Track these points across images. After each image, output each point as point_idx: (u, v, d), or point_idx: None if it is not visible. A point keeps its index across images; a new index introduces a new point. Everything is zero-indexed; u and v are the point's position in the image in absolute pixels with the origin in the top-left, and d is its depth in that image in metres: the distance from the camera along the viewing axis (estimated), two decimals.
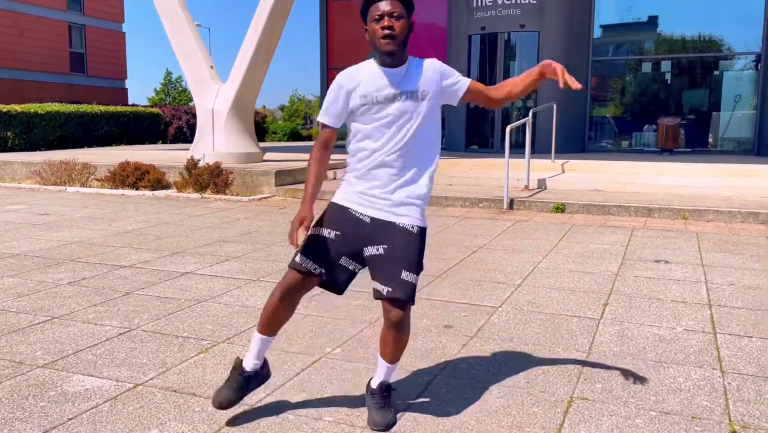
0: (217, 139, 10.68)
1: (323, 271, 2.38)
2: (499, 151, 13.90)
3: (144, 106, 26.22)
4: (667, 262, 5.19)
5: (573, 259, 5.27)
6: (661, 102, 14.52)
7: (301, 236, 2.36)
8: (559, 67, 2.31)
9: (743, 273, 4.83)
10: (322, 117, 2.39)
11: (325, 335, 3.52)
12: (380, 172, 2.33)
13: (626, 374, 2.96)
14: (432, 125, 2.39)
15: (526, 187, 8.96)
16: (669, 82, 14.72)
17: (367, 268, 2.42)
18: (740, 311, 3.90)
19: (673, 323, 3.68)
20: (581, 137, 14.18)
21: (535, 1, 13.23)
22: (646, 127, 14.33)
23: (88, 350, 3.30)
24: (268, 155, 11.81)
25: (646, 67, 14.91)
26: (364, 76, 2.33)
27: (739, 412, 2.58)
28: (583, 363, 3.09)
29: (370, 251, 2.35)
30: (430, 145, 2.40)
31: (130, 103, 30.51)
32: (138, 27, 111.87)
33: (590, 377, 2.93)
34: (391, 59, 2.30)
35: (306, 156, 12.67)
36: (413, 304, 2.40)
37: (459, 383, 2.88)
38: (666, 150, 13.29)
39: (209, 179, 9.40)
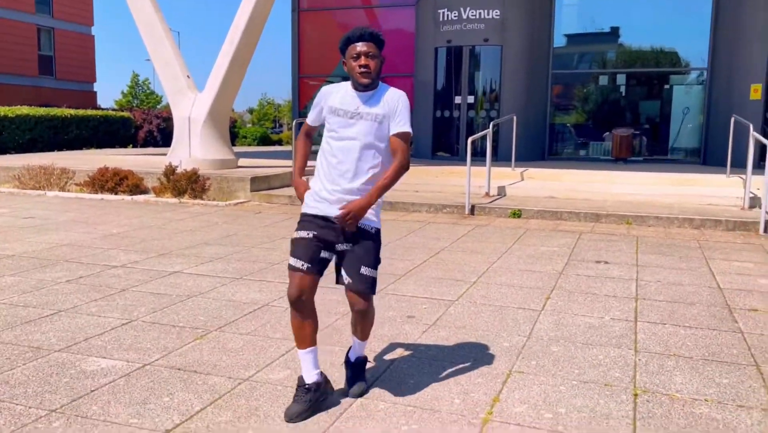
0: (194, 146, 11.10)
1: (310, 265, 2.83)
2: (463, 159, 14.53)
3: (114, 110, 26.34)
4: (606, 262, 5.85)
5: (524, 259, 5.88)
6: (617, 113, 15.38)
7: (308, 198, 2.89)
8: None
9: (670, 272, 5.51)
10: (308, 117, 3.00)
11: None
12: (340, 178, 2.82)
13: (556, 353, 3.56)
14: (382, 143, 2.78)
15: (487, 194, 9.60)
16: (624, 93, 15.61)
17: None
18: (661, 303, 4.55)
19: (602, 314, 4.30)
20: (541, 146, 14.92)
21: (498, 17, 13.94)
22: (606, 135, 15.16)
23: (97, 337, 3.78)
24: (242, 161, 12.25)
25: (604, 79, 15.78)
26: (339, 94, 2.83)
27: (643, 381, 3.20)
28: (523, 345, 3.68)
29: (340, 247, 2.85)
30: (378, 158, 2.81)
31: (99, 106, 30.51)
32: (104, 28, 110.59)
33: (527, 355, 3.52)
34: (364, 88, 2.78)
35: (279, 162, 13.14)
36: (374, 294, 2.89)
37: (418, 361, 3.44)
38: (620, 159, 14.11)
39: (187, 185, 9.83)
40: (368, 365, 3.26)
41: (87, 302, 4.50)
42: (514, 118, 11.92)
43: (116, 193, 10.27)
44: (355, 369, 3.06)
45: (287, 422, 2.72)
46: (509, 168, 11.20)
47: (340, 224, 2.76)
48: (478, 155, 14.63)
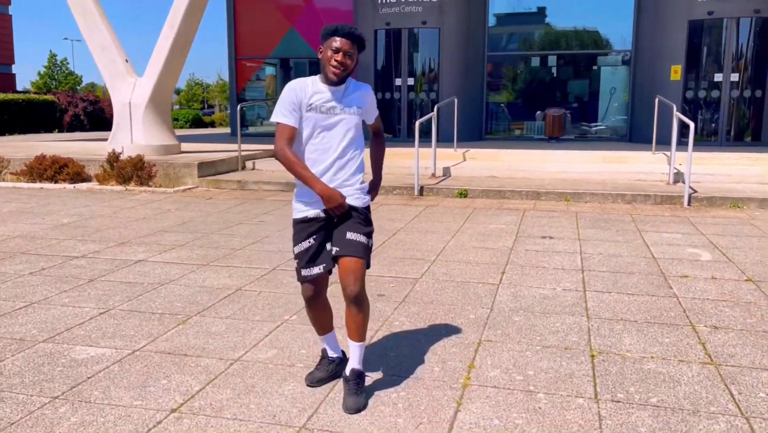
0: (136, 132, 10.93)
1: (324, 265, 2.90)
2: (405, 140, 14.87)
3: (38, 93, 25.20)
4: (551, 238, 6.28)
5: (476, 237, 6.24)
6: (549, 92, 16.03)
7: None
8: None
9: (609, 244, 5.98)
10: (287, 120, 2.81)
11: (280, 306, 4.25)
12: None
13: (518, 322, 3.90)
14: (358, 132, 2.94)
15: (433, 175, 9.93)
16: (555, 74, 16.26)
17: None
18: (604, 274, 4.99)
19: (554, 285, 4.69)
20: (479, 126, 15.41)
21: (435, 0, 14.23)
22: (538, 114, 15.79)
23: (78, 327, 3.86)
24: (184, 146, 12.13)
25: (535, 60, 16.37)
26: (312, 89, 2.81)
27: (597, 343, 3.58)
28: (488, 316, 4.01)
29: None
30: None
31: (19, 89, 29.07)
32: (19, 5, 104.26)
33: (493, 325, 3.85)
34: (333, 83, 2.84)
35: (221, 146, 13.05)
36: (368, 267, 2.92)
37: (395, 335, 3.72)
38: (553, 138, 14.75)
39: (132, 172, 9.72)
40: (368, 377, 3.21)
41: (57, 293, 4.54)
42: (455, 100, 12.27)
43: (56, 182, 10.03)
44: (352, 384, 2.85)
45: (308, 385, 3.04)
46: (451, 149, 11.57)
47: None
48: (420, 136, 14.95)
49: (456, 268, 5.17)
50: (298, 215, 2.92)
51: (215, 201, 8.65)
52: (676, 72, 13.51)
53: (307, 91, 2.82)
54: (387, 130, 15.33)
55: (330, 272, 2.95)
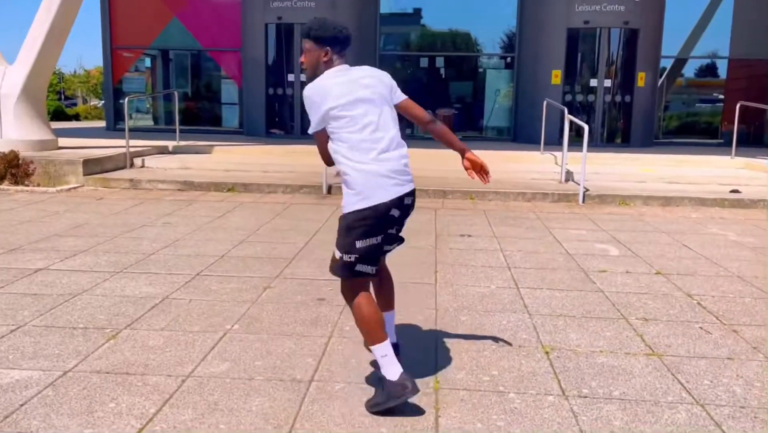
0: (7, 126, 9.89)
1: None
2: (299, 137, 14.64)
3: None
4: (470, 236, 6.42)
5: None
6: (438, 93, 16.45)
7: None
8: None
9: (525, 242, 6.21)
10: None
11: (218, 315, 4.00)
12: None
13: (466, 322, 3.94)
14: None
15: (338, 174, 9.81)
16: (444, 75, 16.71)
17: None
18: (530, 271, 5.16)
19: (488, 283, 4.79)
20: None
21: None
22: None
23: None
24: (60, 141, 11.16)
25: (424, 61, 16.72)
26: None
27: (546, 339, 3.69)
28: (435, 317, 4.01)
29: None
30: None
31: None
32: None
33: (444, 326, 3.86)
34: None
35: (99, 141, 12.14)
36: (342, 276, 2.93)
37: (350, 341, 3.61)
38: None
39: (6, 170, 8.79)
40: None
41: None
42: None
43: None
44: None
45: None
46: None
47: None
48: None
49: (389, 268, 5.12)
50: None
51: (107, 201, 8.02)
52: (557, 76, 14.35)
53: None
54: (280, 126, 15.02)
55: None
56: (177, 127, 12.31)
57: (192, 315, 3.98)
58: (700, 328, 3.92)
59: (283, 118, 15.02)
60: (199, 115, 16.80)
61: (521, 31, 15.22)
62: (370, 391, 2.98)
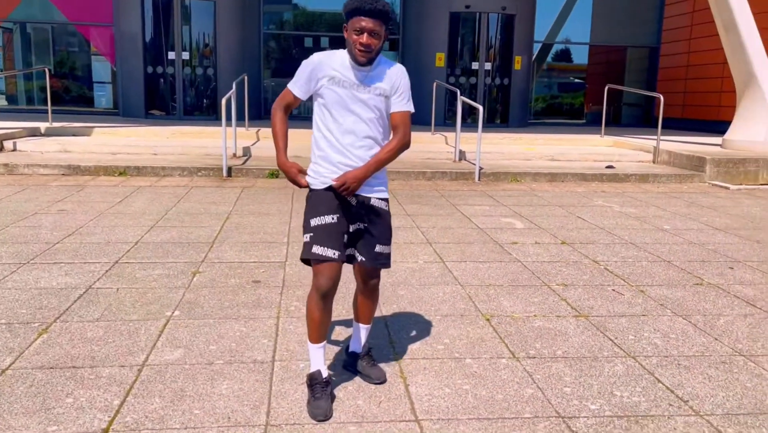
0: None
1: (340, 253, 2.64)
2: (181, 118, 14.05)
3: None
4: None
5: None
6: None
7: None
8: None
9: (437, 218, 6.45)
10: (294, 88, 2.72)
11: (153, 302, 3.85)
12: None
13: (405, 296, 4.07)
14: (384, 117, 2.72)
15: (235, 155, 9.59)
16: None
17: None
18: (449, 245, 5.40)
19: (415, 258, 4.96)
20: (257, 104, 15.17)
21: None
22: None
23: None
24: None
25: (308, 41, 16.58)
26: (337, 63, 2.63)
27: (484, 308, 3.91)
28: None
29: (354, 227, 2.74)
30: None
31: None
32: None
33: (387, 301, 3.96)
34: (362, 65, 2.60)
35: None
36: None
37: (297, 320, 3.62)
38: None
39: None
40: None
41: None
42: (246, 77, 11.94)
43: None
44: (368, 358, 2.97)
45: (322, 421, 2.54)
46: (243, 128, 11.26)
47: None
48: (198, 113, 14.32)
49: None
50: (316, 185, 2.69)
51: None
52: (441, 59, 14.81)
53: (327, 62, 2.65)
54: (160, 107, 14.31)
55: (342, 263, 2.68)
56: (49, 107, 11.38)
57: (125, 304, 3.80)
58: (613, 290, 4.33)
59: (163, 98, 14.32)
60: (65, 96, 15.60)
61: (405, 13, 15.52)
62: (336, 367, 3.03)
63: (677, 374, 3.08)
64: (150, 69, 14.03)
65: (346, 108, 2.64)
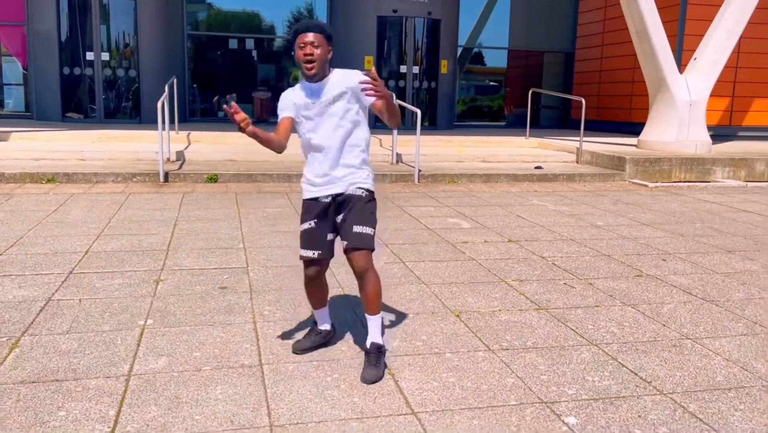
0: None
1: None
2: (103, 121, 13.54)
3: None
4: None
5: (264, 222, 6.24)
6: (249, 76, 16.27)
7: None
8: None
9: (386, 220, 6.59)
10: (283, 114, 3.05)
11: (123, 312, 3.78)
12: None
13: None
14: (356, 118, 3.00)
15: (169, 159, 9.37)
16: (256, 57, 16.54)
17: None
18: (405, 246, 5.55)
19: (376, 259, 5.06)
20: (183, 107, 14.84)
21: None
22: (230, 97, 15.94)
23: None
24: None
25: (233, 43, 16.37)
26: (297, 91, 3.01)
27: (451, 305, 4.09)
28: (344, 294, 4.21)
29: (338, 219, 3.08)
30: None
31: None
32: None
33: (358, 302, 4.07)
34: (312, 79, 2.93)
35: None
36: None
37: (274, 323, 3.67)
38: (261, 120, 15.04)
39: None
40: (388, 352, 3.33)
41: None
42: (175, 80, 11.66)
43: None
44: (373, 356, 3.04)
45: (295, 353, 3.23)
46: (173, 132, 11.00)
47: (371, 81, 2.74)
48: (120, 116, 13.86)
49: (274, 253, 5.18)
50: (304, 195, 3.12)
51: None
52: (369, 62, 14.99)
53: (293, 92, 3.03)
54: (78, 109, 13.74)
55: (332, 255, 3.16)
56: None
57: (92, 315, 3.72)
58: (565, 284, 4.62)
59: (82, 101, 13.75)
60: None
61: (332, 15, 15.60)
62: (326, 366, 3.12)
63: (637, 358, 3.36)
64: (67, 70, 13.44)
65: (315, 124, 2.99)
